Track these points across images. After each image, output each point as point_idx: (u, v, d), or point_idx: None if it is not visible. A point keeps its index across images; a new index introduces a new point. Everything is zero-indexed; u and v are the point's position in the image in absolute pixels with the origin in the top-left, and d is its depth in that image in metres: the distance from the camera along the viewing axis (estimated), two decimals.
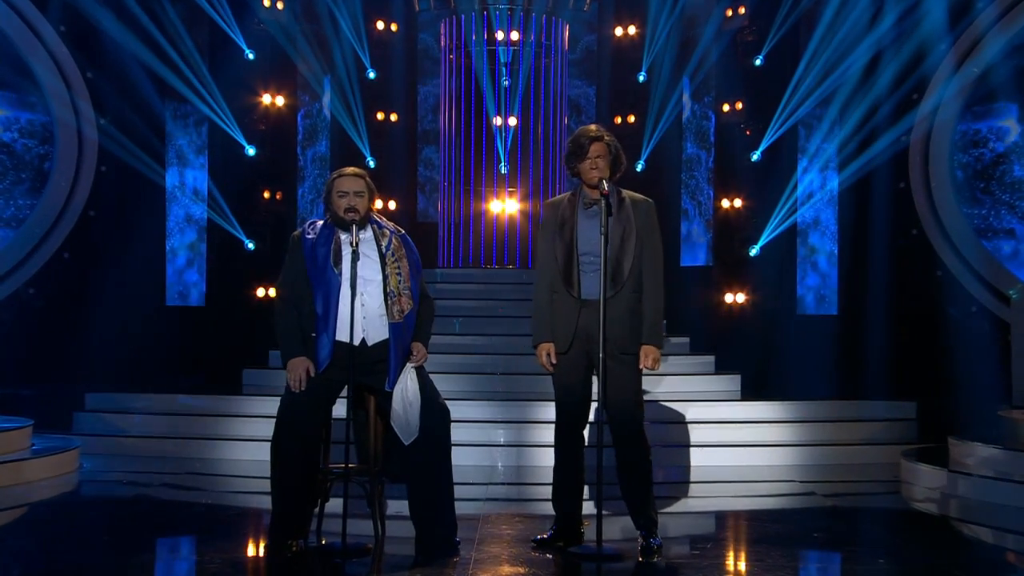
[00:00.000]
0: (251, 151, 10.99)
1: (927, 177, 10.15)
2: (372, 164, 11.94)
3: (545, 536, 5.40)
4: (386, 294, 5.15)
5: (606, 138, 5.34)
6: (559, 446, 5.40)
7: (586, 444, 5.45)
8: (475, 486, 7.14)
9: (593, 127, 5.42)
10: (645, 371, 5.28)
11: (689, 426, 8.38)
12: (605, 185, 5.23)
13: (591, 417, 5.47)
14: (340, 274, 5.13)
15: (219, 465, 8.00)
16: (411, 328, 5.16)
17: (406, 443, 5.09)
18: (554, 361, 5.32)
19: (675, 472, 7.91)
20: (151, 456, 8.15)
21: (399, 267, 5.20)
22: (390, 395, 5.11)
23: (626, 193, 5.40)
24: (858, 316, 10.49)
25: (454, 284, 11.03)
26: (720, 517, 6.78)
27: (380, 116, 12.78)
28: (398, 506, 5.66)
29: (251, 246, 10.94)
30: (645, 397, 5.63)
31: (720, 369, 9.76)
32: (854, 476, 7.92)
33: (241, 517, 6.46)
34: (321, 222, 5.30)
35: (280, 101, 11.55)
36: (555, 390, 5.39)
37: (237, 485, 7.55)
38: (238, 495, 7.37)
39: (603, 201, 5.20)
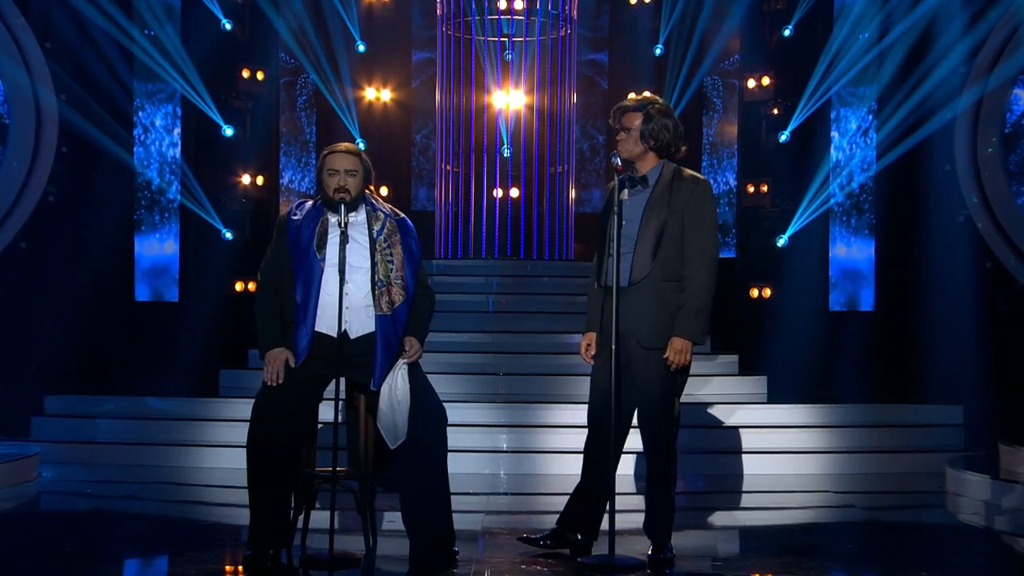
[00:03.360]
0: (228, 131, 10.97)
1: (975, 157, 10.11)
2: (362, 145, 11.93)
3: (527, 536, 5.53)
4: (373, 283, 5.14)
5: (645, 109, 5.34)
6: (585, 450, 5.50)
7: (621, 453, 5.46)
8: (475, 496, 7.15)
9: (638, 96, 5.45)
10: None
11: (711, 431, 8.40)
12: (618, 160, 5.28)
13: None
14: (323, 259, 5.13)
15: (193, 473, 7.98)
16: (402, 322, 5.15)
17: (392, 446, 5.09)
18: (593, 353, 5.40)
19: (695, 480, 7.92)
20: (118, 464, 8.14)
21: (391, 254, 5.19)
22: (378, 394, 5.10)
23: (683, 172, 5.38)
24: (898, 312, 10.46)
25: (452, 277, 11.06)
26: (744, 528, 6.79)
27: (371, 94, 12.77)
28: (391, 516, 5.65)
29: (229, 236, 10.92)
30: None
31: (745, 370, 9.79)
32: (894, 486, 7.92)
33: (217, 529, 6.45)
34: (310, 202, 5.32)
35: (260, 76, 11.53)
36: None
37: (213, 495, 7.54)
38: (214, 507, 7.37)
39: (615, 179, 5.23)
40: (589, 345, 5.42)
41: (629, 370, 5.31)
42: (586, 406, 5.49)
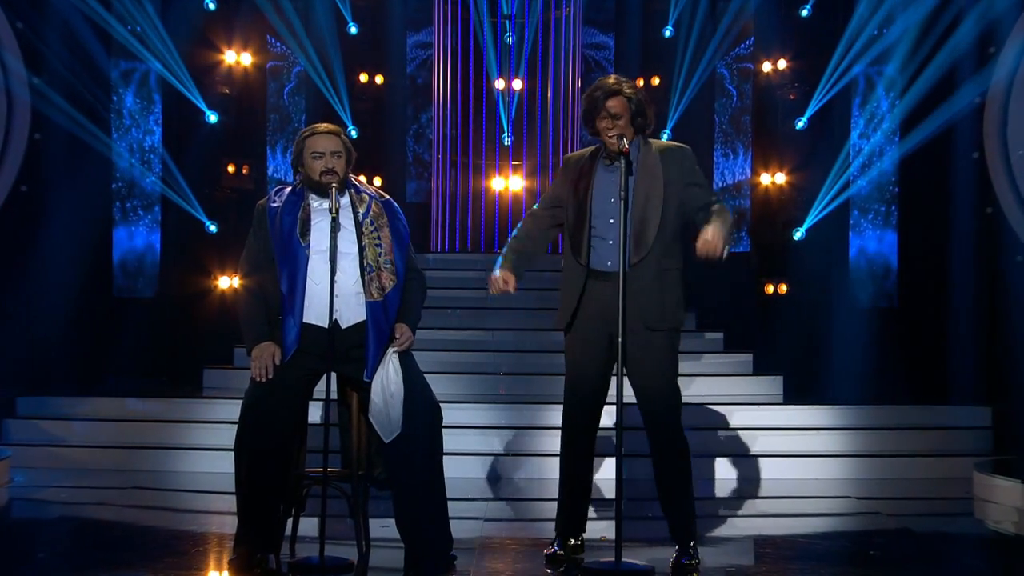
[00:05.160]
0: (212, 118, 10.97)
1: (1005, 144, 10.09)
2: (355, 134, 11.91)
3: (551, 551, 5.48)
4: (362, 268, 5.14)
5: (626, 90, 5.36)
6: (565, 442, 5.48)
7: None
8: (473, 502, 7.16)
9: (611, 78, 5.45)
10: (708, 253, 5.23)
11: (723, 433, 8.39)
12: (625, 142, 5.25)
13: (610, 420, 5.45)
14: (307, 247, 5.13)
15: (175, 478, 7.99)
16: (393, 308, 5.16)
17: (386, 440, 5.09)
18: (510, 290, 5.48)
19: (708, 485, 7.90)
20: (95, 469, 8.14)
21: (379, 237, 5.20)
22: (370, 386, 5.09)
23: (654, 143, 5.39)
24: (922, 309, 10.45)
25: (449, 271, 11.04)
26: (760, 536, 6.77)
27: (363, 78, 12.76)
28: (385, 522, 5.64)
29: (213, 228, 10.93)
30: None
31: (759, 369, 9.77)
32: (919, 492, 7.91)
33: (200, 536, 6.43)
34: (289, 188, 5.32)
35: (246, 60, 11.53)
36: (566, 369, 5.46)
37: (196, 501, 7.54)
38: (197, 513, 7.33)
39: (622, 160, 5.20)
40: (507, 281, 5.47)
41: (622, 359, 5.23)
42: None
